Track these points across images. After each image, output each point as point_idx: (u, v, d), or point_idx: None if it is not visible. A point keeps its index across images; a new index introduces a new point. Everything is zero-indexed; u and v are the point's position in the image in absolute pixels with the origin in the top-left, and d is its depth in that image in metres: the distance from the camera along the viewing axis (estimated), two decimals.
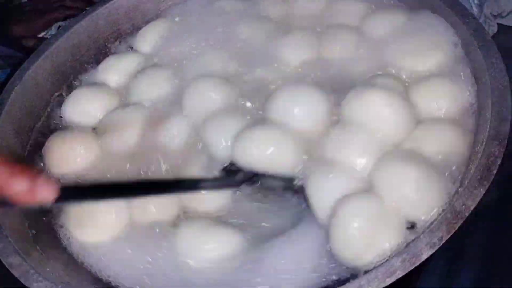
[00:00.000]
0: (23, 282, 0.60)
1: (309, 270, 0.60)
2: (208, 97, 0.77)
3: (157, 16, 1.03)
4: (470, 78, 0.70)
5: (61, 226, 0.73)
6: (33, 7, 1.37)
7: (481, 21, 1.09)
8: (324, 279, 0.59)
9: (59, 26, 1.25)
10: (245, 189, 0.70)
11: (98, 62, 0.97)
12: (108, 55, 0.98)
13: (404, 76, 0.74)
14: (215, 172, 0.72)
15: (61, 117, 0.88)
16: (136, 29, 1.02)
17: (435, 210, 0.59)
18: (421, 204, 0.59)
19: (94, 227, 0.70)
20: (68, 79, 0.95)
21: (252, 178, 0.70)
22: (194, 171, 0.72)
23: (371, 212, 0.59)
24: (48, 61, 0.91)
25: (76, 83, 0.95)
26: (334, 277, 0.59)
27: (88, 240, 0.70)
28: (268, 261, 0.61)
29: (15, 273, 0.61)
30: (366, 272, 0.54)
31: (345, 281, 0.57)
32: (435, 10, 0.79)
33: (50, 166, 0.80)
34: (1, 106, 0.82)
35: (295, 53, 0.82)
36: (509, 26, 1.12)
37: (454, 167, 0.63)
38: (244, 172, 0.70)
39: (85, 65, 0.98)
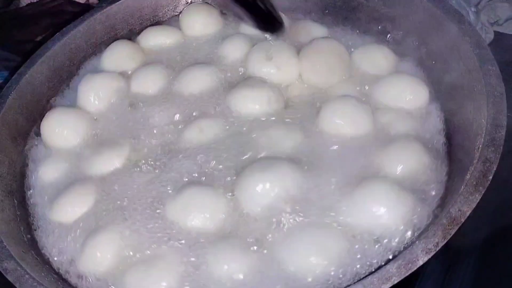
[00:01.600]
0: (18, 287, 0.60)
1: None
2: None
3: (154, 22, 1.04)
4: None
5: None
6: (32, 12, 1.38)
7: (478, 28, 1.10)
8: None
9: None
10: None
11: (95, 67, 0.98)
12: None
13: None
14: None
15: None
16: (133, 34, 1.03)
17: None
18: None
19: None
20: (65, 84, 0.95)
21: None
22: None
23: None
24: (45, 65, 0.91)
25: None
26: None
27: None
28: None
29: (10, 278, 0.61)
30: (361, 278, 0.54)
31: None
32: (432, 17, 0.79)
33: None
34: None
35: None
36: (505, 34, 1.12)
37: None
38: None
39: (83, 70, 0.98)
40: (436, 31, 0.79)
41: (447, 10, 0.77)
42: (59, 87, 0.94)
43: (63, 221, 0.73)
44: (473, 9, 1.12)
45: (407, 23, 0.85)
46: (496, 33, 1.11)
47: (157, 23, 1.04)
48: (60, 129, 0.83)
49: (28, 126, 0.87)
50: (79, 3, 1.40)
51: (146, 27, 1.02)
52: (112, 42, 0.99)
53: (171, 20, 1.05)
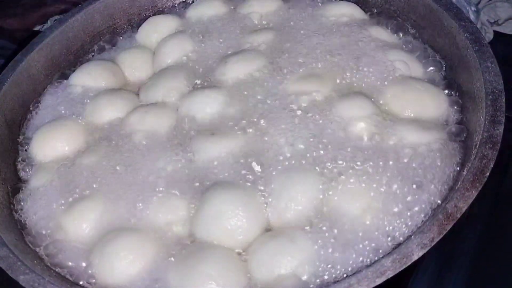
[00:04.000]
0: (10, 274, 0.59)
1: None
2: None
3: (153, 12, 1.03)
4: None
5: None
6: (29, 1, 1.37)
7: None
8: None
9: (55, 20, 1.24)
10: None
11: (92, 56, 0.98)
12: (104, 50, 0.98)
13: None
14: None
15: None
16: (131, 24, 1.02)
17: None
18: None
19: None
20: (62, 73, 0.94)
21: None
22: None
23: None
24: (42, 53, 0.91)
25: None
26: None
27: None
28: None
29: (2, 265, 0.60)
30: (356, 272, 0.54)
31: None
32: (433, 13, 0.79)
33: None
34: None
35: None
36: (505, 34, 1.12)
37: None
38: None
39: (80, 59, 0.97)
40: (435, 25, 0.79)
41: (447, 6, 0.77)
42: (55, 76, 0.93)
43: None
44: (473, 8, 1.11)
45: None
46: (496, 33, 1.11)
47: (156, 13, 1.03)
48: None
49: (24, 114, 0.87)
50: None
51: (145, 17, 1.02)
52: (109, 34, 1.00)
53: (171, 10, 1.04)
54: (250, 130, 0.74)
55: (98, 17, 0.98)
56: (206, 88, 0.82)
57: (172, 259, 0.64)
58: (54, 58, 0.93)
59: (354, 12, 0.89)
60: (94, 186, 0.72)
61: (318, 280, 0.58)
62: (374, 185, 0.64)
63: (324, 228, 0.62)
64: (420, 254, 0.52)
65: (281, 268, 0.59)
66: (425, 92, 0.74)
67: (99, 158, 0.76)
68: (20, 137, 0.85)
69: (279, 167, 0.68)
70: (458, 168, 0.65)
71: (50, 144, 0.80)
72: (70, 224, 0.69)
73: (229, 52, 0.87)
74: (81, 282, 0.65)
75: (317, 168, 0.67)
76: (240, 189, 0.66)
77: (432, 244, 0.53)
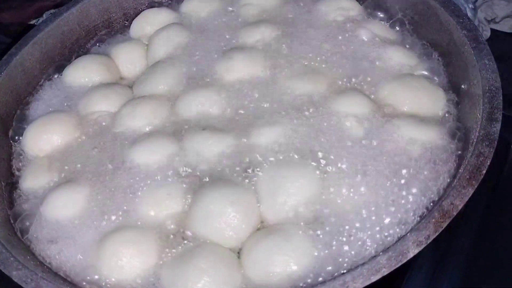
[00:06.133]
0: (2, 270, 0.59)
1: None
2: None
3: (149, 6, 1.03)
4: None
5: None
6: None
7: None
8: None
9: (50, 14, 1.23)
10: None
11: (87, 50, 0.97)
12: (98, 44, 0.98)
13: None
14: None
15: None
16: (127, 18, 1.01)
17: None
18: None
19: None
20: (57, 66, 0.93)
21: None
22: None
23: None
24: (37, 47, 0.90)
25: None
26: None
27: None
28: None
29: None
30: (352, 269, 0.54)
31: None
32: (430, 9, 0.79)
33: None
34: None
35: None
36: (502, 32, 1.13)
37: None
38: None
39: (75, 53, 0.96)
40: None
41: (446, 4, 0.77)
42: (50, 70, 0.92)
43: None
44: (470, 5, 1.12)
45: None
46: (493, 31, 1.12)
47: (151, 6, 1.02)
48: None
49: (17, 108, 0.86)
50: None
51: (140, 11, 1.01)
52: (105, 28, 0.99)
53: (166, 3, 1.03)
54: (246, 125, 0.73)
55: (93, 11, 0.97)
56: (205, 84, 0.81)
57: (166, 255, 0.63)
58: (49, 52, 0.92)
59: (352, 7, 0.89)
60: (87, 180, 0.72)
61: (312, 278, 0.58)
62: (371, 182, 0.64)
63: (319, 225, 0.62)
64: (416, 251, 0.52)
65: (275, 267, 0.58)
66: (422, 89, 0.73)
67: (92, 152, 0.75)
68: (14, 131, 0.84)
69: (274, 163, 0.68)
70: (454, 165, 0.64)
71: (44, 138, 0.79)
72: (63, 217, 0.69)
73: (223, 45, 0.87)
74: (76, 279, 0.64)
75: (312, 164, 0.66)
76: (233, 186, 0.66)
77: (428, 242, 0.52)
